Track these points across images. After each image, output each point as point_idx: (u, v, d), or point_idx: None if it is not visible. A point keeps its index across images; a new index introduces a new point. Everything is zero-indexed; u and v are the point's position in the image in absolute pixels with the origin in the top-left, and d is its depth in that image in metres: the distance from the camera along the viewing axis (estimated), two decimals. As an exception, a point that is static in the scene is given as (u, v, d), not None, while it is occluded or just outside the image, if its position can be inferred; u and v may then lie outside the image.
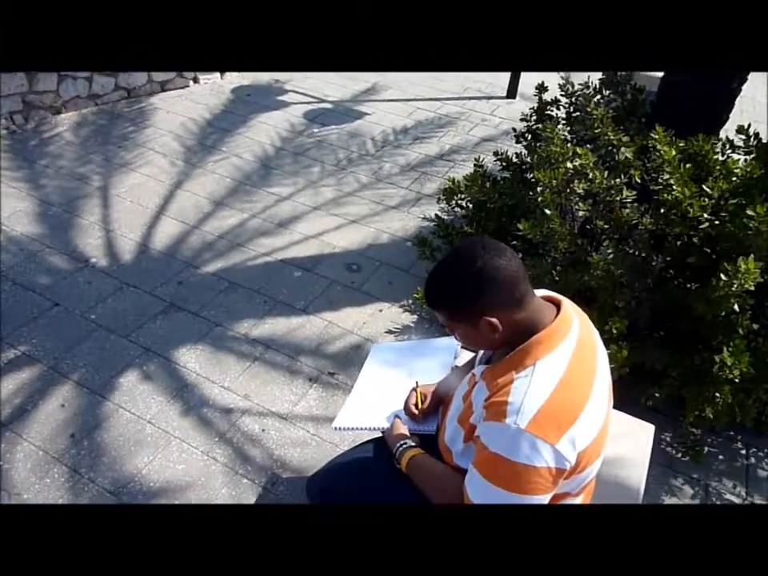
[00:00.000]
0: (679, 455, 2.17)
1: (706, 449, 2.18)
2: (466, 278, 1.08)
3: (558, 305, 1.17)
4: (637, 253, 2.14)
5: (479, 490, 1.08)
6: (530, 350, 1.09)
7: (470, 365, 1.53)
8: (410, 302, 2.81)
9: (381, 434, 1.51)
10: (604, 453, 1.17)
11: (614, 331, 2.01)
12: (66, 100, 4.31)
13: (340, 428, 1.55)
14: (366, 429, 1.52)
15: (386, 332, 2.66)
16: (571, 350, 1.09)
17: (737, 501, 2.03)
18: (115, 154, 3.94)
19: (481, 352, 1.35)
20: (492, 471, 1.05)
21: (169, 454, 2.10)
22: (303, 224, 3.35)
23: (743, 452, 2.20)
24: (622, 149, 2.31)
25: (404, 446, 1.37)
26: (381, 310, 2.78)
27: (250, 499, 1.96)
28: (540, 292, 1.23)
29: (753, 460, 2.18)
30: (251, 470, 2.06)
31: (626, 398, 1.28)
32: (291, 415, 2.26)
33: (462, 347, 1.75)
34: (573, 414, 1.04)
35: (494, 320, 1.08)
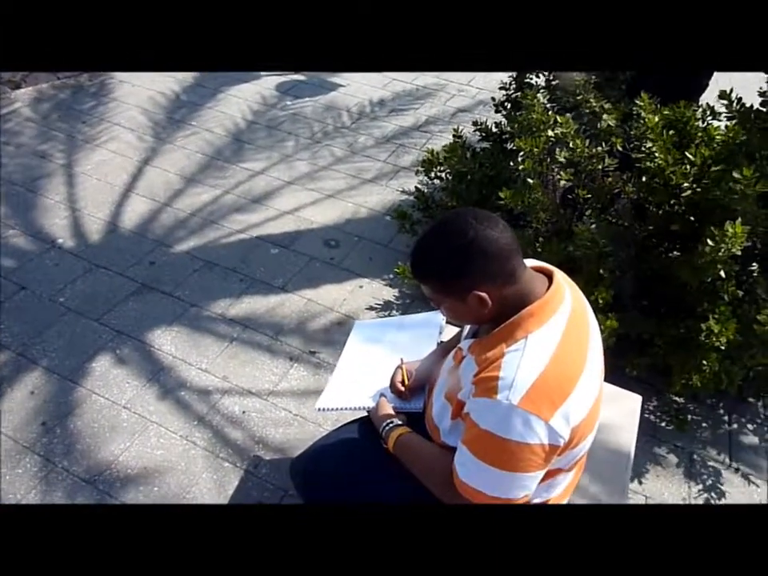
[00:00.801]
0: (663, 424, 2.17)
1: (690, 417, 2.19)
2: (456, 249, 1.03)
3: (549, 276, 1.14)
4: (620, 222, 2.11)
5: (469, 469, 1.04)
6: (521, 323, 1.05)
7: (456, 339, 1.49)
8: (391, 276, 2.76)
9: (366, 414, 1.46)
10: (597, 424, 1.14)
11: (600, 301, 1.99)
12: (24, 74, 4.11)
13: (323, 409, 1.50)
14: (350, 409, 1.48)
15: (368, 308, 2.60)
16: (564, 322, 1.06)
17: (721, 468, 2.04)
18: (79, 130, 3.77)
19: (467, 326, 1.30)
20: (483, 449, 1.02)
21: (146, 440, 2.03)
22: (278, 199, 3.26)
23: (725, 419, 2.21)
24: (604, 116, 2.26)
25: (390, 425, 1.33)
26: (361, 286, 2.72)
27: (233, 483, 1.91)
28: (530, 262, 1.19)
29: (735, 426, 2.19)
30: (232, 452, 2.01)
31: (611, 368, 1.26)
32: (272, 395, 2.21)
33: (447, 322, 1.70)
34: (566, 389, 1.01)
35: (484, 294, 1.04)
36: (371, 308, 2.61)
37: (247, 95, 4.29)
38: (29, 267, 2.72)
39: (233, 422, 2.10)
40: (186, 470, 1.95)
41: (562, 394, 0.99)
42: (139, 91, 4.25)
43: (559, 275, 1.15)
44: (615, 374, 1.78)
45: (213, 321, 2.51)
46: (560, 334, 1.04)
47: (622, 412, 1.61)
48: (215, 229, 3.03)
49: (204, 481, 1.92)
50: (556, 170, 2.20)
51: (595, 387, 1.09)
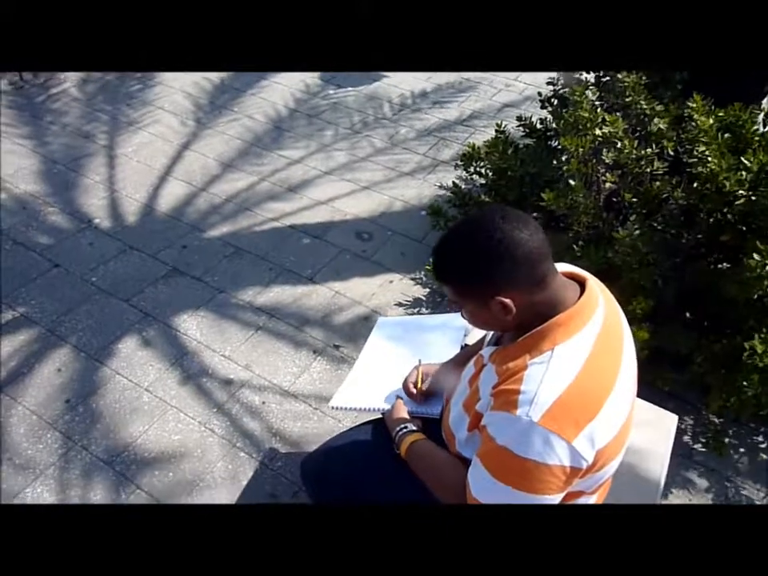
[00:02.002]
0: (698, 445, 2.05)
1: (728, 440, 2.06)
2: (480, 251, 0.96)
3: (582, 283, 1.06)
4: (666, 229, 1.99)
5: (483, 486, 0.98)
6: (548, 334, 0.98)
7: (480, 344, 1.42)
8: (423, 274, 2.69)
9: (381, 416, 1.41)
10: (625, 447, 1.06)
11: (639, 312, 1.88)
12: (74, 54, 4.17)
13: (337, 407, 1.45)
14: (365, 410, 1.43)
15: (396, 304, 2.55)
16: (595, 335, 0.99)
17: (756, 498, 1.92)
18: (123, 112, 3.82)
19: (491, 332, 1.23)
20: (499, 466, 0.96)
21: (164, 424, 2.03)
22: (314, 189, 3.23)
23: (763, 446, 2.08)
24: (655, 119, 2.14)
25: (404, 429, 1.28)
26: (391, 281, 2.66)
27: (247, 473, 1.89)
28: (562, 267, 1.11)
29: (777, 454, 2.05)
30: (249, 443, 1.99)
31: (642, 381, 1.16)
32: (293, 388, 2.17)
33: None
34: (593, 408, 0.94)
35: (508, 301, 0.97)
36: (399, 304, 2.55)
37: (290, 82, 4.26)
38: (64, 246, 2.75)
39: (251, 412, 2.08)
40: (202, 458, 1.93)
41: (587, 413, 0.93)
42: (184, 75, 4.27)
43: (593, 282, 1.07)
44: (645, 387, 1.68)
45: (239, 308, 2.49)
46: (590, 347, 0.97)
47: (655, 433, 1.50)
48: (249, 216, 3.02)
49: (219, 470, 1.90)
50: (602, 171, 2.09)
51: (626, 407, 1.02)
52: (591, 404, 0.94)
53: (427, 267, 2.57)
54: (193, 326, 2.39)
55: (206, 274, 2.64)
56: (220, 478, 1.88)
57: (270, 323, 2.43)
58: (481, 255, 0.96)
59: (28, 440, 1.96)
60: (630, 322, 1.13)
